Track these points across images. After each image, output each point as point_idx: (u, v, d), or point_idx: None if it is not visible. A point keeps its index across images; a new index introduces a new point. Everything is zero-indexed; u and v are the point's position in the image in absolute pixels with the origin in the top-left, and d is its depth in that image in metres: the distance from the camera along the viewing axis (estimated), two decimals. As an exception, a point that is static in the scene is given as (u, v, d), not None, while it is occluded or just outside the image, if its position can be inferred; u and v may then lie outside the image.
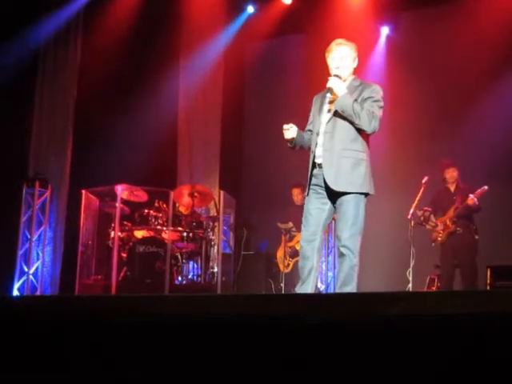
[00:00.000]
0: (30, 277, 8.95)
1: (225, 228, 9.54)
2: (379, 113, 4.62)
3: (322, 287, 9.02)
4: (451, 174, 8.20)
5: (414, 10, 9.90)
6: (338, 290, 4.83)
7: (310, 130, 4.87)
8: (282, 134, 4.79)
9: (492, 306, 2.30)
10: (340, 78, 4.67)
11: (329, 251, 9.17)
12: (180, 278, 8.88)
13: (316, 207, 4.64)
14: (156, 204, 8.69)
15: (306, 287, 4.56)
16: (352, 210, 4.51)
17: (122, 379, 2.64)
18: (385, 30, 10.09)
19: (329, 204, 4.63)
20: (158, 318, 2.70)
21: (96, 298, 4.51)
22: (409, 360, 2.25)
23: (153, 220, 8.62)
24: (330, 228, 8.54)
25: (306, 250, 4.61)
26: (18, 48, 9.04)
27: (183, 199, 8.98)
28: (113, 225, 8.53)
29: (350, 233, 4.48)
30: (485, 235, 8.07)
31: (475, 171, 8.41)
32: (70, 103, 9.54)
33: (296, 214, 7.58)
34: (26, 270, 8.94)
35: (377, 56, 9.98)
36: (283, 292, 8.85)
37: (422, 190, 7.95)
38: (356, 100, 4.56)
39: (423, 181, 7.96)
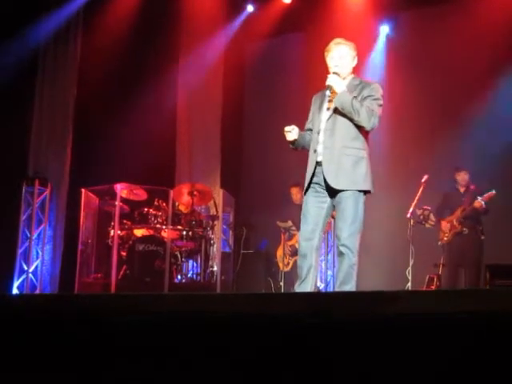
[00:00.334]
0: (30, 275, 8.95)
1: (224, 227, 9.55)
2: (379, 110, 4.62)
3: (321, 286, 9.03)
4: (463, 177, 8.21)
5: (413, 9, 9.90)
6: (337, 289, 4.83)
7: (309, 129, 4.88)
8: (282, 133, 4.80)
9: (491, 304, 2.30)
10: (339, 75, 4.67)
11: (328, 250, 9.18)
12: (179, 277, 8.89)
13: (315, 205, 4.64)
14: (155, 203, 8.70)
15: (305, 286, 4.56)
16: (351, 208, 4.51)
17: (121, 378, 2.64)
18: (384, 29, 10.09)
19: (327, 202, 4.63)
20: (158, 316, 2.70)
21: (95, 296, 4.51)
22: (408, 359, 2.25)
23: (152, 219, 8.62)
24: (330, 227, 8.55)
25: (304, 248, 4.61)
26: (18, 47, 9.04)
27: (183, 198, 8.99)
28: (112, 223, 8.53)
29: (350, 232, 4.49)
30: (490, 236, 8.08)
31: (475, 170, 8.41)
32: (69, 102, 9.53)
33: (295, 213, 7.59)
34: (25, 268, 8.94)
35: (376, 55, 9.98)
36: (283, 291, 8.86)
37: (421, 189, 7.96)
38: (355, 97, 4.57)
39: (423, 180, 7.97)
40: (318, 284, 9.01)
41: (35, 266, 9.06)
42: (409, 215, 7.96)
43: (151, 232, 8.65)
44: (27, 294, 8.60)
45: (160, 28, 10.06)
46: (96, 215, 9.10)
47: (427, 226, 8.19)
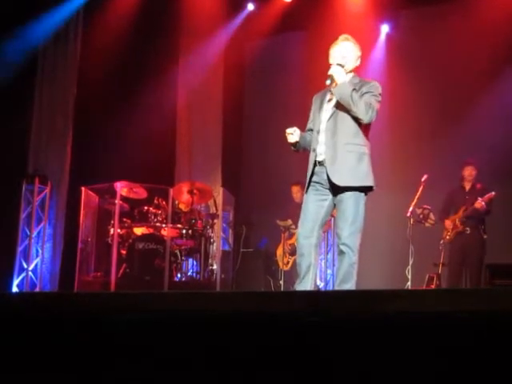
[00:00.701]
0: (30, 273, 8.95)
1: (224, 225, 9.55)
2: (377, 105, 4.63)
3: (321, 285, 9.03)
4: (470, 172, 8.18)
5: (413, 8, 9.90)
6: (337, 288, 4.83)
7: (310, 129, 4.88)
8: (283, 133, 4.80)
9: (490, 304, 2.30)
10: (342, 67, 4.68)
11: (328, 249, 9.18)
12: (179, 275, 8.89)
13: (314, 204, 4.65)
14: (155, 201, 8.70)
15: (304, 284, 4.57)
16: (352, 208, 4.52)
17: (121, 377, 2.64)
18: (385, 28, 10.09)
19: (328, 201, 4.64)
20: (157, 314, 2.70)
21: (95, 294, 4.51)
22: (408, 358, 2.25)
23: (152, 217, 8.63)
24: (330, 225, 8.55)
25: (303, 247, 4.61)
26: (18, 46, 9.04)
27: (182, 196, 8.99)
28: (112, 222, 8.53)
29: (350, 231, 4.50)
30: (491, 234, 8.08)
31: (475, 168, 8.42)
32: (69, 101, 9.54)
33: (295, 212, 7.56)
34: (25, 266, 8.95)
35: (377, 54, 9.98)
36: (282, 289, 8.86)
37: (421, 188, 7.96)
38: (355, 89, 4.57)
39: (422, 179, 7.97)
40: (318, 283, 9.01)
41: (35, 264, 9.07)
42: (408, 214, 7.96)
43: (151, 230, 8.65)
44: (27, 292, 8.61)
45: (160, 27, 10.06)
46: (96, 213, 9.10)
47: (427, 225, 8.20)
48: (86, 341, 2.74)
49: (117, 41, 9.40)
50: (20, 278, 8.92)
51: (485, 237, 7.98)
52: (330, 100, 4.74)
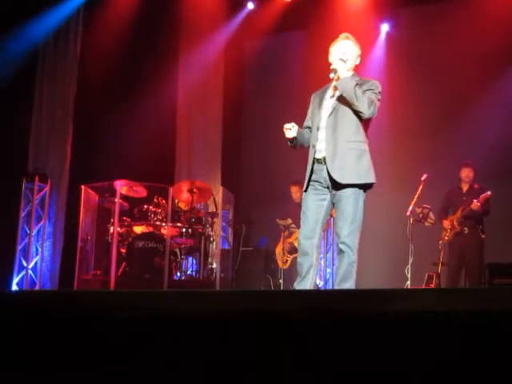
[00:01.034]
0: (29, 272, 8.96)
1: (224, 224, 9.55)
2: (377, 102, 4.64)
3: (320, 284, 9.03)
4: (467, 174, 8.22)
5: (413, 7, 9.90)
6: (336, 287, 4.84)
7: (308, 127, 4.88)
8: (282, 131, 4.79)
9: (490, 303, 2.31)
10: (344, 62, 4.68)
11: (327, 248, 9.18)
12: (179, 274, 8.89)
13: (314, 203, 4.65)
14: (155, 200, 8.70)
15: (305, 283, 4.57)
16: (351, 207, 4.52)
17: (121, 375, 2.64)
18: (385, 27, 10.09)
19: (327, 200, 4.64)
20: (157, 313, 2.70)
21: (95, 293, 4.52)
22: (407, 357, 2.25)
23: (152, 216, 8.62)
24: (329, 224, 8.55)
25: (305, 247, 4.61)
26: (18, 44, 9.04)
27: (182, 195, 8.99)
28: (112, 220, 8.53)
29: (350, 230, 4.50)
30: (489, 234, 8.09)
31: (475, 167, 8.41)
32: (69, 99, 9.54)
33: (295, 211, 7.59)
34: (25, 264, 8.95)
35: (377, 53, 9.98)
36: (282, 288, 8.86)
37: (420, 188, 7.96)
38: (358, 84, 4.58)
39: (422, 178, 7.98)
40: (317, 282, 9.01)
41: (35, 262, 9.07)
42: (408, 213, 7.97)
43: (151, 229, 8.65)
44: (27, 290, 8.61)
45: (160, 26, 10.06)
46: (96, 212, 9.10)
47: (426, 224, 8.21)
48: (86, 339, 2.74)
49: (117, 40, 9.40)
50: (20, 276, 8.92)
51: (483, 236, 8.00)
52: (332, 96, 4.74)
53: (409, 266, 7.81)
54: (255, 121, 10.89)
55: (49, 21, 9.46)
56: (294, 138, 4.77)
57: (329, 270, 9.21)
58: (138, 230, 8.67)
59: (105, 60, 9.37)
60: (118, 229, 8.49)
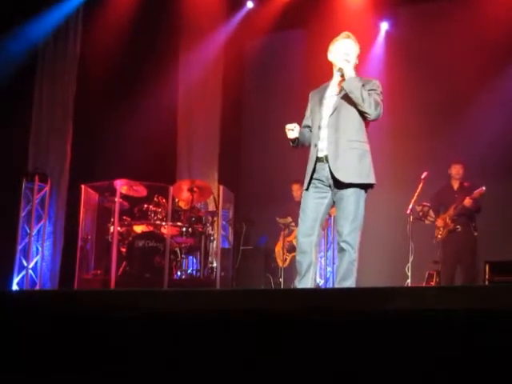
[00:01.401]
0: (30, 271, 8.96)
1: (224, 223, 9.54)
2: (381, 103, 4.64)
3: (321, 282, 9.03)
4: (457, 171, 8.21)
5: (413, 5, 9.90)
6: (337, 285, 4.84)
7: (307, 126, 4.87)
8: (283, 130, 4.79)
9: (490, 301, 2.31)
10: (349, 62, 4.68)
11: (328, 246, 9.19)
12: (179, 273, 8.89)
13: (314, 201, 4.64)
14: (155, 199, 8.70)
15: (305, 282, 4.56)
16: (352, 205, 4.52)
17: (121, 374, 2.64)
18: (384, 26, 10.09)
19: (327, 199, 4.64)
20: (157, 312, 2.70)
21: (95, 292, 4.52)
22: (407, 355, 2.25)
23: (152, 215, 8.62)
24: (329, 223, 8.55)
25: (303, 245, 4.61)
26: (18, 44, 9.03)
27: (182, 194, 8.98)
28: (112, 219, 8.53)
29: (351, 228, 4.50)
30: (483, 231, 8.10)
31: (474, 166, 8.42)
32: (69, 98, 9.54)
33: (295, 210, 7.56)
34: (25, 264, 8.95)
35: (376, 51, 9.97)
36: (282, 287, 8.86)
37: (421, 186, 7.96)
38: (363, 85, 4.58)
39: (422, 176, 7.97)
40: (318, 280, 9.01)
41: (35, 262, 9.08)
42: (408, 211, 7.97)
43: (151, 228, 8.65)
44: (27, 290, 8.61)
45: (160, 24, 10.06)
46: (96, 211, 9.09)
47: (427, 222, 8.21)
48: (86, 339, 2.74)
49: (117, 39, 9.40)
50: (20, 276, 8.92)
51: (475, 234, 8.00)
52: (337, 94, 4.72)
53: (409, 264, 7.81)
54: (255, 119, 10.89)
55: (48, 20, 9.46)
56: (296, 138, 4.77)
57: (329, 269, 9.21)
58: (138, 229, 8.67)
59: (105, 59, 9.37)
60: (118, 228, 8.49)
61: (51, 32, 9.57)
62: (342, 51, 4.72)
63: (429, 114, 9.25)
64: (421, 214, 8.14)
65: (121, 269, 8.41)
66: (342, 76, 4.67)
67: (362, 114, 4.59)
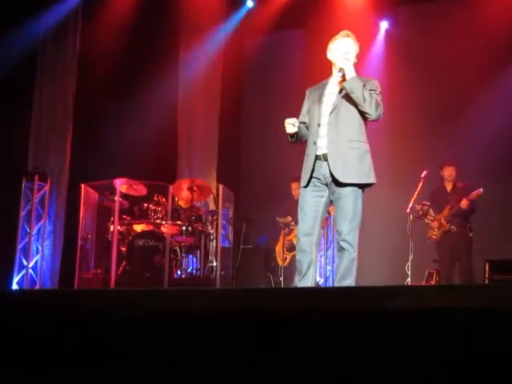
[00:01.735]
0: (30, 271, 8.96)
1: (224, 222, 9.54)
2: (381, 103, 4.64)
3: (320, 281, 9.03)
4: (450, 173, 8.24)
5: (413, 5, 9.90)
6: (337, 284, 4.84)
7: (303, 123, 4.87)
8: (282, 127, 4.79)
9: (490, 299, 2.31)
10: (349, 61, 4.67)
11: (328, 245, 9.18)
12: (179, 272, 8.88)
13: (313, 200, 4.65)
14: (155, 198, 8.69)
15: (305, 281, 4.56)
16: (351, 204, 4.52)
17: (121, 374, 2.64)
18: (384, 25, 10.08)
19: (325, 197, 4.64)
20: (157, 311, 2.70)
21: (95, 291, 4.52)
22: (407, 353, 2.25)
23: (152, 214, 8.62)
24: (329, 222, 8.55)
25: (304, 243, 4.60)
26: (17, 42, 9.03)
27: (182, 193, 8.98)
28: (112, 219, 8.53)
29: (350, 227, 4.50)
30: (482, 231, 8.11)
31: (473, 165, 8.43)
32: (69, 97, 9.54)
33: (295, 208, 7.52)
34: (25, 263, 8.95)
35: (376, 50, 9.97)
36: (282, 286, 8.87)
37: (420, 185, 7.96)
38: (364, 85, 4.58)
39: (422, 175, 7.97)
40: (318, 279, 9.01)
41: (35, 261, 9.08)
42: (408, 210, 7.97)
43: (151, 227, 8.64)
44: (27, 289, 8.61)
45: (160, 23, 10.05)
46: (96, 210, 9.09)
47: (426, 221, 8.22)
48: (86, 338, 2.74)
49: (116, 36, 9.40)
50: (20, 275, 8.92)
51: (470, 235, 8.02)
52: (337, 93, 4.72)
53: (409, 263, 7.81)
54: (255, 118, 10.89)
55: (48, 18, 9.45)
56: (295, 133, 4.76)
57: (329, 268, 9.21)
58: (138, 228, 8.67)
59: (104, 58, 9.37)
60: (118, 227, 8.49)
61: (51, 30, 9.56)
62: (342, 50, 4.72)
63: (428, 114, 9.25)
64: (421, 212, 8.15)
65: (121, 268, 8.41)
66: (343, 76, 4.66)
67: (363, 114, 4.59)
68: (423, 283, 8.10)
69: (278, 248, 9.24)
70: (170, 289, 6.88)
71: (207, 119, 10.77)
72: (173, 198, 8.78)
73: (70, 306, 2.96)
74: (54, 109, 9.53)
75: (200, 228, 8.85)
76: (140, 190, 8.84)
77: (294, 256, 8.75)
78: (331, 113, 4.64)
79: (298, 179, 8.69)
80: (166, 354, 2.59)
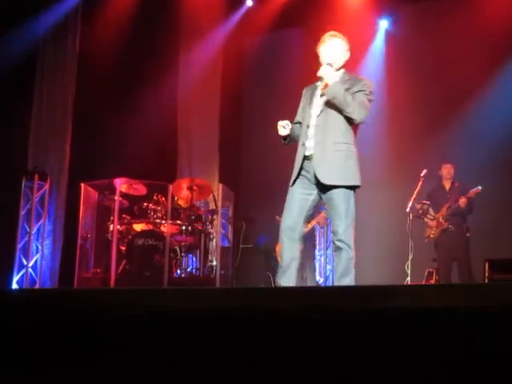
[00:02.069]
0: (29, 270, 8.96)
1: (223, 221, 9.54)
2: (369, 105, 4.64)
3: (320, 280, 9.04)
4: (448, 171, 8.26)
5: (412, 3, 9.90)
6: (336, 283, 4.84)
7: (298, 122, 4.88)
8: (276, 128, 4.82)
9: (490, 299, 2.31)
10: (332, 66, 4.68)
11: (328, 244, 9.19)
12: (179, 272, 8.89)
13: (300, 197, 4.66)
14: (155, 197, 8.69)
15: (288, 276, 4.56)
16: (343, 203, 4.52)
17: (121, 373, 2.64)
18: (384, 23, 10.08)
19: (313, 196, 4.65)
20: (157, 311, 2.70)
21: (95, 291, 4.52)
22: (407, 353, 2.25)
23: (152, 213, 8.62)
24: (328, 221, 8.55)
25: (286, 239, 4.61)
26: (17, 42, 9.03)
27: (182, 192, 8.98)
28: (112, 218, 8.52)
29: (344, 226, 4.50)
30: (480, 231, 8.12)
31: (471, 164, 8.43)
32: (69, 96, 9.54)
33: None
34: (25, 263, 8.95)
35: (376, 49, 9.97)
36: (282, 285, 8.85)
37: (420, 184, 7.96)
38: (348, 89, 4.57)
39: (422, 174, 7.98)
40: (318, 278, 9.02)
41: (35, 260, 9.08)
42: (408, 210, 7.97)
43: (150, 227, 8.64)
44: (27, 288, 8.61)
45: (160, 23, 10.05)
46: (95, 210, 9.09)
47: (426, 220, 8.22)
48: (86, 337, 2.74)
49: (116, 36, 9.40)
50: (20, 274, 8.92)
51: (468, 235, 8.04)
52: (322, 95, 4.74)
53: (409, 263, 7.81)
54: (254, 118, 10.88)
55: (48, 18, 9.45)
56: (288, 135, 4.78)
57: (329, 267, 9.21)
58: (138, 227, 8.67)
59: (104, 57, 9.37)
60: (118, 226, 8.49)
61: (50, 30, 9.56)
62: (329, 54, 4.73)
63: (429, 112, 9.25)
64: (420, 211, 8.16)
65: (120, 267, 8.41)
66: (325, 84, 4.67)
67: (347, 118, 4.60)
68: (423, 282, 8.10)
69: (278, 247, 9.22)
70: (169, 288, 6.88)
71: (207, 118, 10.77)
72: (172, 198, 8.78)
73: (70, 306, 2.95)
74: (53, 108, 9.53)
75: (200, 227, 8.85)
76: (140, 189, 8.84)
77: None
78: (319, 115, 4.67)
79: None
80: (165, 353, 2.59)
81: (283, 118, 4.82)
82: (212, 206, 9.42)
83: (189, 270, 9.13)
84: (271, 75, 10.67)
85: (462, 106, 8.94)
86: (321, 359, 2.35)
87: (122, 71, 9.72)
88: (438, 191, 8.31)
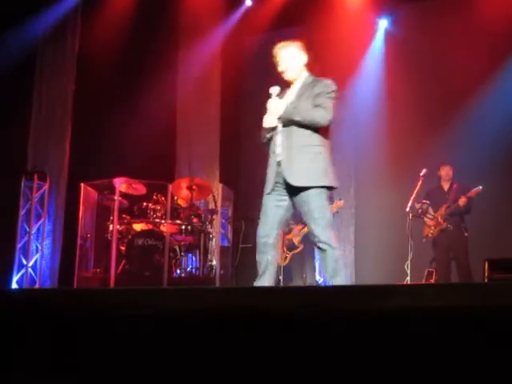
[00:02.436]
0: (29, 270, 8.96)
1: (223, 221, 9.54)
2: (331, 105, 4.66)
3: (320, 280, 9.03)
4: (447, 172, 8.29)
5: (412, 2, 9.89)
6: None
7: None
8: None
9: (490, 298, 2.31)
10: (289, 78, 4.95)
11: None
12: (178, 271, 8.89)
13: (274, 204, 4.68)
14: (154, 197, 8.70)
15: (263, 281, 4.69)
16: (316, 205, 4.52)
17: (120, 373, 2.64)
18: (383, 23, 10.07)
19: (287, 201, 4.67)
20: (157, 311, 2.70)
21: (95, 290, 4.52)
22: (407, 352, 2.25)
23: (151, 213, 8.62)
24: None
25: (261, 246, 4.71)
26: (17, 42, 9.02)
27: (181, 192, 8.98)
28: (111, 218, 8.53)
29: (322, 227, 4.50)
30: (477, 230, 8.13)
31: (470, 164, 8.43)
32: (68, 96, 9.54)
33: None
34: (24, 262, 8.96)
35: (375, 49, 9.95)
36: (281, 285, 8.86)
37: (420, 183, 7.97)
38: (310, 93, 4.66)
39: (421, 173, 7.99)
40: (317, 278, 9.01)
41: (34, 260, 9.08)
42: (407, 209, 7.97)
43: (150, 226, 8.64)
44: (26, 288, 8.61)
45: (159, 22, 10.05)
46: (95, 210, 9.09)
47: (426, 219, 8.22)
48: (86, 337, 2.74)
49: (116, 35, 9.40)
50: (19, 274, 8.93)
51: (466, 234, 8.04)
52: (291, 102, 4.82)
53: (408, 262, 7.81)
54: (254, 117, 10.86)
55: (47, 18, 9.45)
56: (273, 128, 4.80)
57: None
58: (138, 227, 8.67)
59: (103, 57, 9.36)
60: (118, 226, 8.49)
61: (50, 30, 9.56)
62: (281, 68, 4.83)
63: (429, 112, 9.25)
64: (420, 211, 8.16)
65: (120, 267, 8.41)
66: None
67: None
68: (423, 282, 8.11)
69: (278, 247, 9.23)
70: (169, 288, 6.88)
71: (206, 118, 10.77)
72: (172, 197, 8.79)
73: (70, 306, 2.95)
74: (53, 108, 9.53)
75: (199, 227, 8.85)
76: (139, 189, 8.84)
77: (294, 255, 8.77)
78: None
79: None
80: (165, 352, 2.59)
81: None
82: (212, 205, 9.42)
83: (188, 269, 9.13)
84: (271, 75, 10.65)
85: (461, 106, 8.94)
86: (321, 359, 2.35)
87: (122, 71, 9.72)
88: (437, 191, 8.33)
